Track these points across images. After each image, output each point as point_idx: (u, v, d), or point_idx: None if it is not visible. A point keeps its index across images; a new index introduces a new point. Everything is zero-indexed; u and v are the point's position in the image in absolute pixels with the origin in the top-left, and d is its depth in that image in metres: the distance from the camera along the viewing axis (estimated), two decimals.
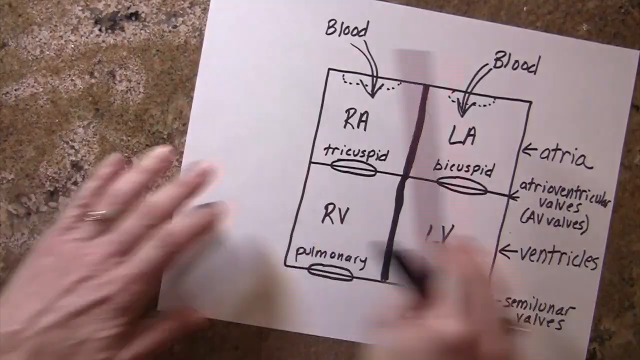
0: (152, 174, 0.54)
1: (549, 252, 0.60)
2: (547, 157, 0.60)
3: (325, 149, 0.59)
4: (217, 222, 0.54)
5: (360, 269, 0.59)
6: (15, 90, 0.58)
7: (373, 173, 0.59)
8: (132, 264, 0.51)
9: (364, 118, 0.59)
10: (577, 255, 0.60)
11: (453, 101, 0.59)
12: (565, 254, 0.60)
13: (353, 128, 0.59)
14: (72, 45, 0.58)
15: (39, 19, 0.58)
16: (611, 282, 0.61)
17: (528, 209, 0.60)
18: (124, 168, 0.55)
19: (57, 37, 0.58)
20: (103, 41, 0.58)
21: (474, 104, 0.60)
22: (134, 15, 0.58)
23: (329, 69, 0.59)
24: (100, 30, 0.58)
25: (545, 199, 0.60)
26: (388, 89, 0.59)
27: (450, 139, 0.60)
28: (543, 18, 0.60)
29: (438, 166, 0.60)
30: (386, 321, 0.52)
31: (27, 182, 0.58)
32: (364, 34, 0.59)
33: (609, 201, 0.61)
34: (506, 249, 0.60)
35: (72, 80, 0.58)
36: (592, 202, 0.60)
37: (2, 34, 0.58)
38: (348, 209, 0.59)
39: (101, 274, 0.51)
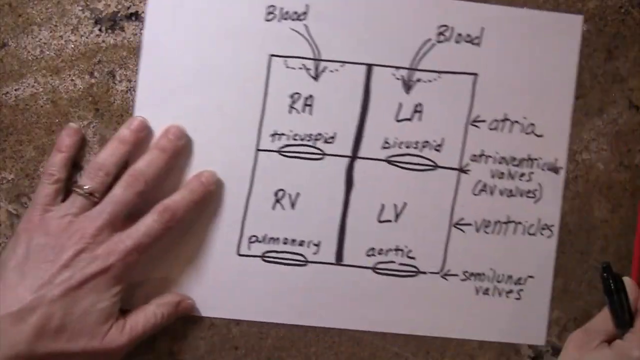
0: (131, 145, 0.57)
1: (504, 223, 0.60)
2: (496, 128, 0.60)
3: (271, 135, 0.59)
4: (209, 192, 0.57)
5: (314, 253, 0.60)
6: (15, 90, 0.58)
7: (321, 156, 0.59)
8: (130, 236, 0.54)
9: (308, 102, 0.59)
10: (532, 224, 0.61)
11: (397, 79, 0.59)
12: (520, 223, 0.60)
13: (298, 113, 0.59)
14: (72, 45, 0.58)
15: (39, 19, 0.58)
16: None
17: (480, 181, 0.60)
18: (83, 137, 0.57)
19: (57, 37, 0.58)
20: (103, 41, 0.58)
21: (419, 80, 0.59)
22: (134, 15, 0.58)
23: (271, 55, 0.59)
24: (100, 30, 0.58)
25: (497, 170, 0.60)
26: (331, 71, 0.59)
27: (397, 117, 0.59)
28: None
29: (386, 145, 0.59)
30: (585, 341, 0.55)
31: (27, 182, 0.58)
32: (304, 18, 0.58)
33: (561, 168, 0.60)
34: (460, 222, 0.60)
35: (72, 80, 0.58)
36: (544, 170, 0.60)
37: (2, 34, 0.58)
38: (298, 194, 0.59)
39: (97, 246, 0.53)
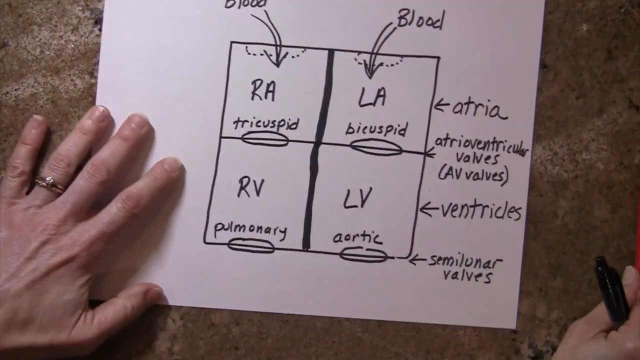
0: (94, 135, 0.57)
1: (471, 206, 0.60)
2: (460, 111, 0.60)
3: (234, 122, 0.59)
4: (173, 179, 0.57)
5: (281, 240, 0.59)
6: (15, 90, 0.58)
7: (285, 142, 0.59)
8: (94, 225, 0.54)
9: (271, 88, 0.59)
10: (499, 207, 0.60)
11: (360, 63, 0.59)
12: (488, 206, 0.60)
13: (261, 99, 0.59)
14: (72, 45, 0.58)
15: (39, 19, 0.58)
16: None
17: (446, 164, 0.60)
18: (48, 129, 0.57)
19: (57, 37, 0.58)
20: None
21: (381, 64, 0.59)
22: None
23: (232, 42, 0.59)
24: (100, 30, 0.58)
25: (462, 154, 0.60)
26: (293, 57, 0.59)
27: (360, 102, 0.59)
28: (543, 18, 0.60)
29: (350, 130, 0.59)
30: (585, 330, 0.56)
31: None
32: (264, 4, 0.58)
33: (527, 150, 0.60)
34: (427, 207, 0.60)
35: (72, 80, 0.58)
36: (509, 152, 0.60)
37: (2, 34, 0.58)
38: (263, 180, 0.59)
39: (61, 237, 0.53)
